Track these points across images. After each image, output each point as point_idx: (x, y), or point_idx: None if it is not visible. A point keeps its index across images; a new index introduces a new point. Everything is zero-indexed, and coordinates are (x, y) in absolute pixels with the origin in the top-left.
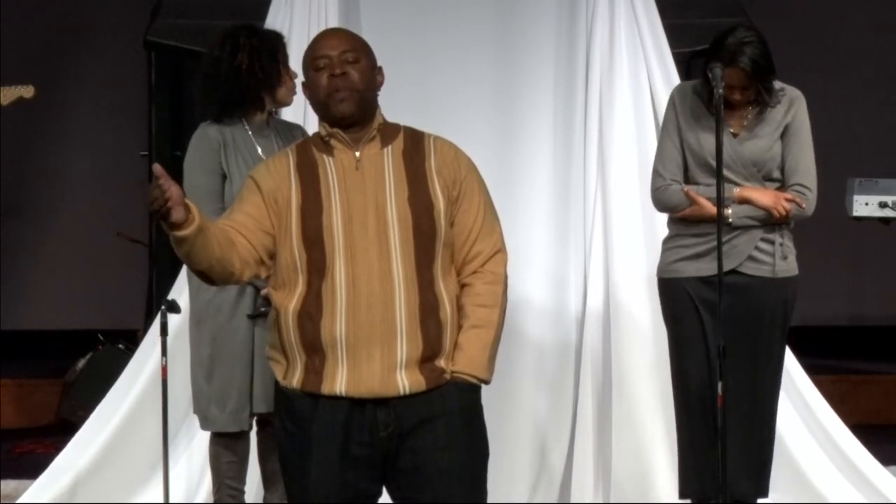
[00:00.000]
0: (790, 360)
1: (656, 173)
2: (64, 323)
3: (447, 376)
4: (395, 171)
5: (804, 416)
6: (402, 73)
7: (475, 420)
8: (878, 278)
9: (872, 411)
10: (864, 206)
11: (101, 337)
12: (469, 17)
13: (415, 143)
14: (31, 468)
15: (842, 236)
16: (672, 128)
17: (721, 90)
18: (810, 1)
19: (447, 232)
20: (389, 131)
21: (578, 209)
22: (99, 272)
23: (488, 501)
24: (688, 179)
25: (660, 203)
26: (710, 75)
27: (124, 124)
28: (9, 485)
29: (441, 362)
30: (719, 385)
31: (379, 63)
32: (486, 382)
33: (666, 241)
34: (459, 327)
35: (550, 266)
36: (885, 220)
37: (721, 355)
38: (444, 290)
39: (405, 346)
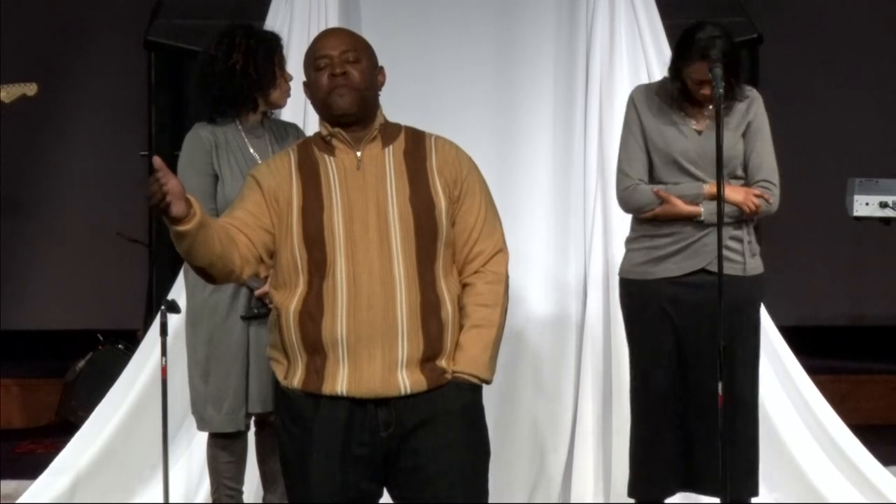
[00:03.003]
0: (790, 360)
1: (623, 174)
2: (64, 323)
3: (448, 376)
4: (396, 170)
5: (804, 416)
6: (403, 72)
7: (476, 420)
8: (878, 278)
9: (872, 411)
10: (865, 206)
11: (101, 337)
12: (469, 17)
13: (416, 143)
14: (31, 468)
15: (842, 236)
16: (636, 128)
17: (721, 90)
18: (811, 1)
19: (448, 231)
20: (390, 131)
21: (578, 209)
22: (99, 272)
23: (489, 502)
24: (653, 179)
25: (628, 203)
26: (710, 74)
27: (124, 124)
28: (9, 485)
29: (442, 362)
30: (720, 385)
31: (380, 63)
32: (488, 382)
33: (631, 242)
34: (461, 327)
35: (550, 266)
36: (886, 220)
37: (721, 355)
38: (446, 290)
39: (406, 345)
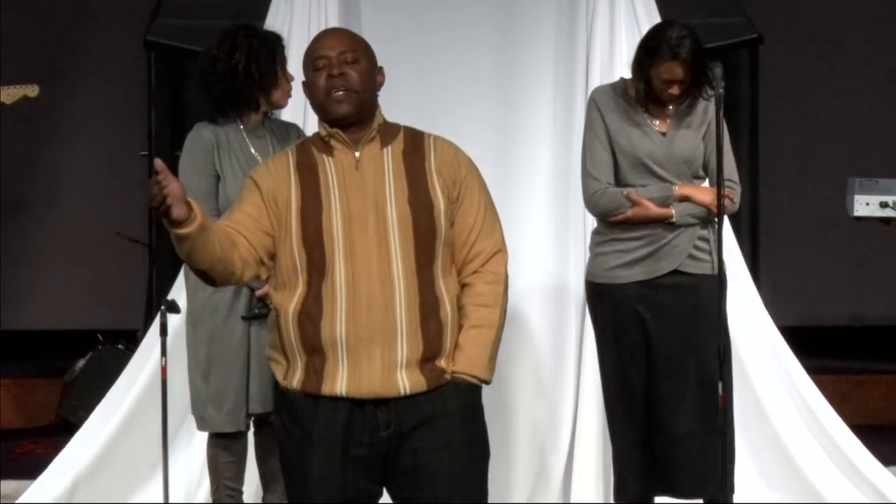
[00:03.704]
0: (790, 360)
1: (590, 177)
2: (64, 323)
3: (448, 376)
4: (395, 171)
5: (804, 416)
6: (403, 72)
7: (476, 420)
8: (879, 278)
9: (872, 411)
10: (865, 205)
11: (100, 337)
12: (469, 17)
13: (415, 143)
14: (31, 468)
15: (842, 236)
16: (600, 130)
17: (721, 90)
18: (811, 1)
19: (447, 232)
20: (389, 131)
21: (578, 209)
22: (99, 272)
23: (489, 502)
24: (618, 181)
25: (597, 207)
26: (710, 75)
27: (124, 124)
28: (9, 485)
29: (441, 362)
30: (719, 385)
31: (379, 63)
32: (487, 382)
33: (599, 245)
34: (460, 327)
35: (550, 266)
36: (886, 220)
37: (721, 355)
38: (445, 290)
39: (405, 346)
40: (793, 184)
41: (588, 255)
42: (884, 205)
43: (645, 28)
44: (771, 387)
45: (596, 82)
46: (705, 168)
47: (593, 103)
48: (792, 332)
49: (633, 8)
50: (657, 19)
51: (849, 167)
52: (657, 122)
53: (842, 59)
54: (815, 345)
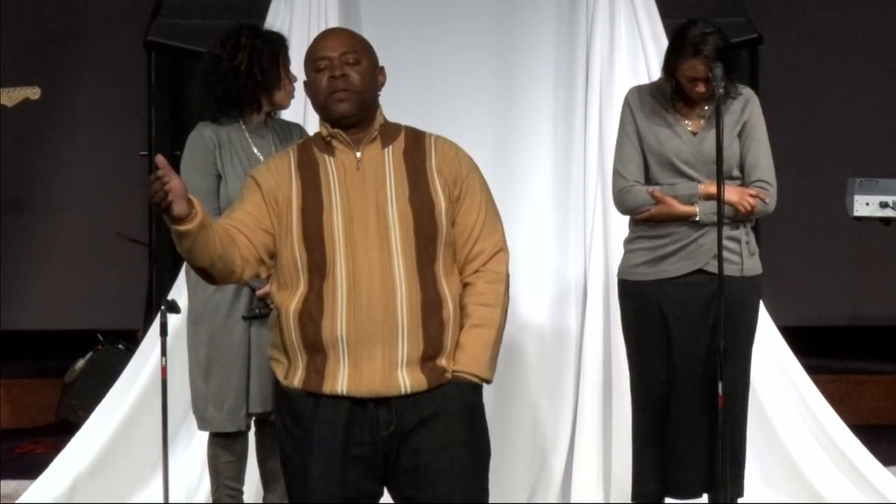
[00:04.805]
0: (790, 360)
1: (618, 175)
2: (64, 323)
3: (448, 375)
4: (395, 170)
5: (804, 416)
6: (403, 72)
7: (476, 419)
8: (879, 278)
9: (872, 411)
10: (865, 206)
11: (101, 337)
12: (470, 17)
13: (416, 143)
14: (31, 468)
15: (842, 236)
16: (630, 129)
17: (721, 90)
18: (811, 1)
19: (448, 231)
20: (390, 131)
21: (578, 209)
22: (99, 272)
23: (489, 501)
24: (648, 180)
25: (623, 204)
26: (711, 74)
27: (124, 124)
28: (9, 485)
29: (442, 361)
30: (719, 385)
31: (380, 63)
32: (488, 382)
33: (629, 243)
34: (461, 326)
35: (551, 265)
36: (886, 220)
37: (721, 355)
38: (447, 289)
39: (406, 345)
40: (793, 184)
41: (587, 253)
42: (884, 205)
43: (645, 28)
44: (771, 387)
45: (596, 82)
46: (741, 168)
47: (626, 102)
48: (792, 332)
49: (633, 8)
50: (657, 19)
51: (849, 167)
52: (689, 122)
53: (842, 59)
54: (815, 345)
